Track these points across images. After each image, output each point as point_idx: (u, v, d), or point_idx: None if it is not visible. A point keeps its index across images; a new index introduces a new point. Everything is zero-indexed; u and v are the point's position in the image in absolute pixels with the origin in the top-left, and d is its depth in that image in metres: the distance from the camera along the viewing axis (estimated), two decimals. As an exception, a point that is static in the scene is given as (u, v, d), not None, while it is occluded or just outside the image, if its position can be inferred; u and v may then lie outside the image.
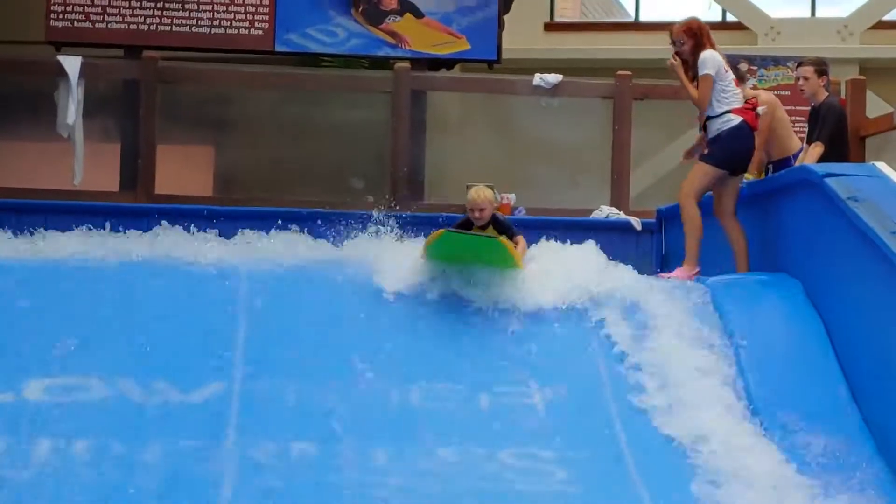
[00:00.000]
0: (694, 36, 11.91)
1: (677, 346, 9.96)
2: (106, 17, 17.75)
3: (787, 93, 16.71)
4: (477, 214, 11.23)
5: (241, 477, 8.58)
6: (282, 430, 9.05)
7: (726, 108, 11.81)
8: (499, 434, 9.21)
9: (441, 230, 10.48)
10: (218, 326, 10.03)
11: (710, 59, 11.81)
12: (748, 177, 13.47)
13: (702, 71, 11.80)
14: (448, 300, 10.39)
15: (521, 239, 11.09)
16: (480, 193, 11.24)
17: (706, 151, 11.85)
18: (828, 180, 10.32)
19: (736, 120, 11.78)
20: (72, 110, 16.50)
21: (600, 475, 8.86)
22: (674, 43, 12.00)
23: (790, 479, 8.85)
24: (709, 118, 11.88)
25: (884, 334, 9.31)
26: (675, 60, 11.95)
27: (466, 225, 11.24)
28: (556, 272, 10.66)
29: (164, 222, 12.56)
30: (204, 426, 9.03)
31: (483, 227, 11.16)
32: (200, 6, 17.94)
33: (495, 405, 9.49)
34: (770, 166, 13.91)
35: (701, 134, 12.10)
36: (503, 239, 10.71)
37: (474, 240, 10.56)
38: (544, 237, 11.79)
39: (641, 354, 9.93)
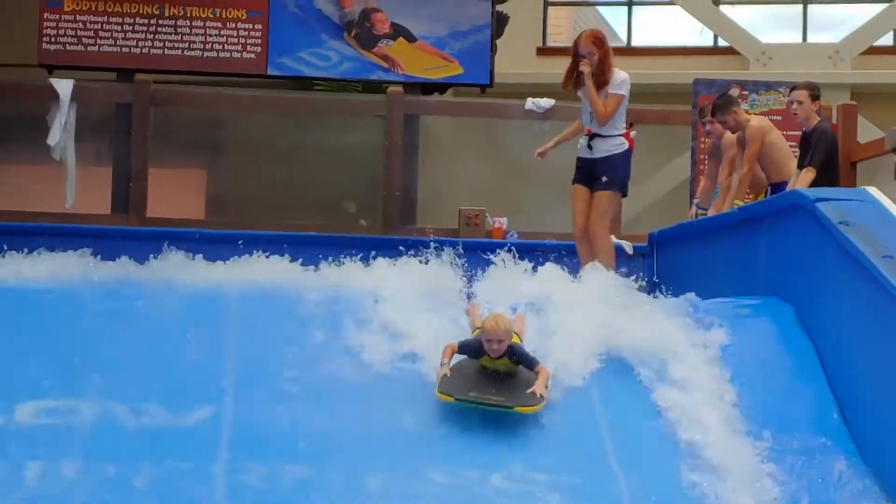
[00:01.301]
0: (601, 46, 12.11)
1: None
2: (98, 40, 17.80)
3: (779, 117, 16.73)
4: (495, 347, 9.75)
5: (234, 500, 8.57)
6: (273, 453, 9.03)
7: (621, 131, 12.26)
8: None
9: (448, 396, 9.46)
10: (209, 349, 10.01)
11: (627, 82, 12.28)
12: (738, 202, 13.52)
13: (618, 90, 12.24)
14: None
15: (542, 370, 9.72)
16: (501, 324, 9.76)
17: (604, 180, 12.23)
18: (819, 205, 10.34)
19: (626, 144, 12.29)
20: (57, 132, 16.49)
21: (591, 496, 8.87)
22: (580, 54, 12.12)
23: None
24: (601, 136, 12.23)
25: (875, 359, 9.31)
26: (587, 69, 12.08)
27: (476, 351, 9.83)
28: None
29: (158, 245, 12.53)
30: (195, 449, 9.01)
31: (497, 358, 9.78)
32: (193, 30, 17.99)
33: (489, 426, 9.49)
34: (769, 189, 13.95)
35: (557, 138, 12.76)
36: (518, 406, 9.44)
37: (493, 410, 9.46)
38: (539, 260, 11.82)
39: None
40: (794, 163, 13.78)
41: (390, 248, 12.41)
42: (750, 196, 14.23)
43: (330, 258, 11.97)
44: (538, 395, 9.46)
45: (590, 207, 12.38)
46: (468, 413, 9.50)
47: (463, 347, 9.88)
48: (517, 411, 9.36)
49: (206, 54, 17.96)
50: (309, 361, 10.02)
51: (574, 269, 11.82)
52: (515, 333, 10.04)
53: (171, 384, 9.60)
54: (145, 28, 17.86)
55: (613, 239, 15.86)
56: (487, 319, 9.80)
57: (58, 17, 17.69)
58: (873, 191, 10.62)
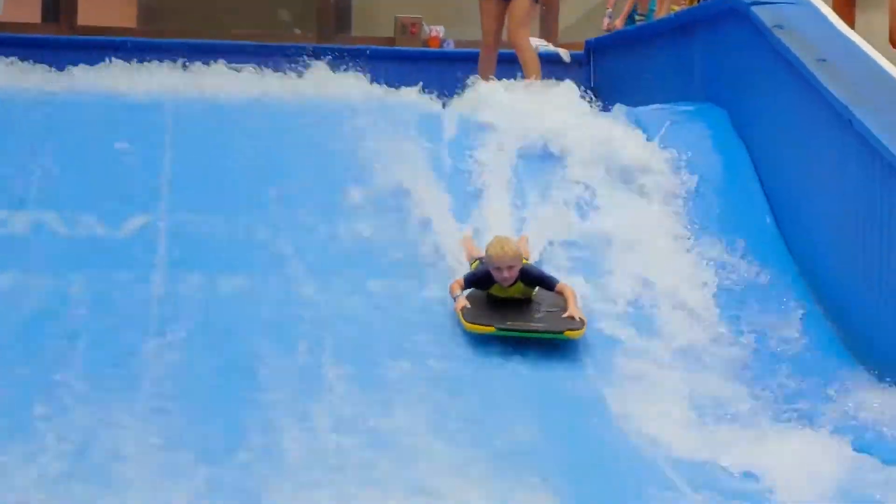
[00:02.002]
0: None
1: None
2: None
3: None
4: (505, 275, 8.70)
5: (170, 309, 8.59)
6: (210, 264, 9.04)
7: None
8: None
9: (489, 326, 8.46)
10: (145, 160, 9.93)
11: None
12: (674, 8, 13.43)
13: None
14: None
15: (566, 288, 8.78)
16: (507, 249, 8.69)
17: None
18: (754, 9, 10.29)
19: None
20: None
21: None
22: None
23: (714, 302, 9.07)
24: None
25: (807, 163, 9.39)
26: None
27: (484, 282, 8.81)
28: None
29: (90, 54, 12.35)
30: (131, 260, 9.01)
31: (509, 285, 8.77)
32: None
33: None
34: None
35: None
36: (567, 330, 8.47)
37: (537, 335, 8.53)
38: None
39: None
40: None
41: (326, 57, 12.27)
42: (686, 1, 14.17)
43: (265, 67, 11.85)
44: (577, 319, 8.52)
45: (501, 24, 12.20)
46: (402, 226, 9.53)
47: (469, 280, 8.87)
48: (566, 336, 8.43)
49: None
50: (246, 172, 9.95)
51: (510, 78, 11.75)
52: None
53: (105, 194, 9.53)
54: None
55: (551, 47, 15.81)
56: (491, 245, 8.71)
57: None
58: (810, -6, 10.57)
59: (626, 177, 10.09)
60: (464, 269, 9.10)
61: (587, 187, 9.99)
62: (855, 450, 7.25)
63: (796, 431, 7.54)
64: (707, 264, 9.33)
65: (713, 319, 8.88)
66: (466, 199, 9.92)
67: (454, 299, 8.69)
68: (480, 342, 8.41)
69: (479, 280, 8.82)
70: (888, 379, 7.99)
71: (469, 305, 8.60)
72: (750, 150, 10.24)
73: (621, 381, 8.17)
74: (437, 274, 9.18)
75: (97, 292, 8.63)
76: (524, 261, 8.82)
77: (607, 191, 10.00)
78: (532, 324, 8.52)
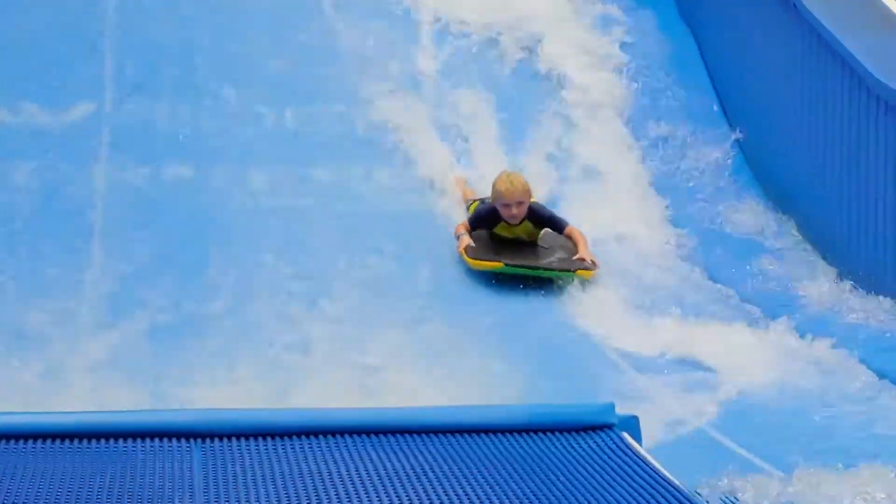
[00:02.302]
0: None
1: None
2: None
3: None
4: (514, 211, 8.21)
5: (114, 198, 8.55)
6: (154, 153, 8.98)
7: None
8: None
9: (497, 262, 8.02)
10: (88, 48, 9.79)
11: None
12: None
13: None
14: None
15: (575, 231, 8.31)
16: (517, 183, 8.23)
17: None
18: None
19: None
20: None
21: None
22: None
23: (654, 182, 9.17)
24: None
25: (752, 48, 9.41)
26: None
27: (491, 219, 8.30)
28: None
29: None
30: (75, 148, 8.93)
31: (516, 224, 8.29)
32: None
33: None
34: None
35: None
36: (579, 269, 8.02)
37: (547, 273, 8.06)
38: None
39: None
40: None
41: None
42: None
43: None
44: (590, 261, 8.09)
45: None
46: (355, 118, 9.48)
47: (474, 220, 8.35)
48: (578, 275, 7.98)
49: None
50: (192, 58, 9.84)
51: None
52: (590, 272, 8.20)
53: (49, 83, 9.42)
54: None
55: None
56: (499, 180, 8.23)
57: None
58: None
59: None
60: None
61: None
62: (802, 339, 7.31)
63: (745, 324, 7.58)
64: (650, 147, 9.41)
65: (662, 213, 8.94)
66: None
67: (457, 239, 8.24)
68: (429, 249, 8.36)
69: (484, 218, 8.31)
70: (839, 268, 8.09)
71: (473, 244, 8.15)
72: (696, 37, 10.24)
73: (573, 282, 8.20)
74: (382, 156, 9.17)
75: (42, 181, 8.59)
76: (532, 199, 8.34)
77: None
78: (540, 263, 8.10)
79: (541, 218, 8.30)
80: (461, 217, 8.52)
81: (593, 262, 8.06)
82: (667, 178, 9.20)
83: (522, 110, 9.62)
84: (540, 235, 8.32)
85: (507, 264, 8.01)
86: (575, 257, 8.09)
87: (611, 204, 8.93)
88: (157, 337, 7.18)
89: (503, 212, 8.21)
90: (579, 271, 7.99)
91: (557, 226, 8.31)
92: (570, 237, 8.25)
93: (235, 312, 7.46)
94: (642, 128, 9.57)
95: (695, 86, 9.91)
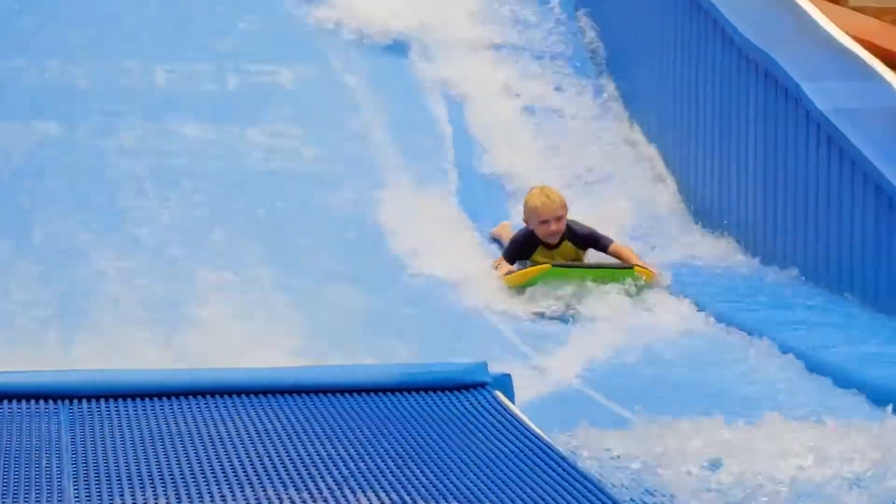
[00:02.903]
0: None
1: None
2: None
3: None
4: (553, 228, 7.45)
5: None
6: (22, 109, 8.83)
7: None
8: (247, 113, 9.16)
9: (545, 266, 7.37)
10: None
11: None
12: None
13: None
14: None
15: (620, 247, 7.59)
16: (553, 197, 7.49)
17: None
18: None
19: None
20: None
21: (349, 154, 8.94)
22: None
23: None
24: None
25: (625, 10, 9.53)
26: None
27: (528, 245, 7.54)
28: None
29: None
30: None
31: (553, 246, 7.52)
32: None
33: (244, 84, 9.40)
34: None
35: None
36: (638, 267, 7.36)
37: (600, 272, 7.36)
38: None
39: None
40: None
41: None
42: None
43: None
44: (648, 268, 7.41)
45: None
46: (222, 75, 9.39)
47: (510, 251, 7.61)
48: (638, 273, 7.28)
49: None
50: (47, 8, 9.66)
51: None
52: (648, 271, 7.55)
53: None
54: None
55: None
56: (532, 196, 7.52)
57: None
58: None
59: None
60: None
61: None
62: (673, 294, 7.38)
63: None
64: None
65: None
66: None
67: (496, 270, 7.57)
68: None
69: (521, 244, 7.54)
70: (711, 228, 8.22)
71: (515, 267, 7.48)
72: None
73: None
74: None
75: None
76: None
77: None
78: (591, 264, 7.49)
79: (582, 236, 7.55)
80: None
81: (652, 268, 7.38)
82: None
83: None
84: (585, 257, 7.59)
85: (555, 265, 7.32)
86: (633, 263, 7.40)
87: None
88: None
89: (541, 231, 7.43)
90: (638, 269, 7.29)
91: (601, 243, 7.53)
92: (616, 255, 7.50)
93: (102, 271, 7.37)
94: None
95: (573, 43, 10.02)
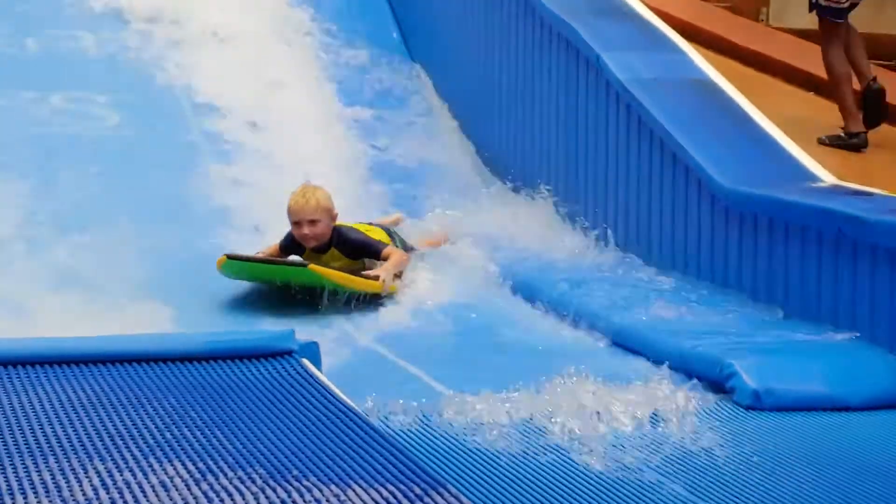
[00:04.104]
0: None
1: None
2: None
3: None
4: (305, 231, 6.94)
5: None
6: None
7: None
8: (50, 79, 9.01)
9: (222, 256, 6.86)
10: None
11: None
12: None
13: None
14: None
15: (395, 251, 7.06)
16: (308, 198, 6.96)
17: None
18: None
19: None
20: None
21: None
22: None
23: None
24: None
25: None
26: None
27: (294, 243, 7.06)
28: None
29: None
30: None
31: (319, 251, 7.01)
32: None
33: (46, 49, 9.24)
34: None
35: None
36: (316, 267, 6.77)
37: (273, 269, 6.85)
38: None
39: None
40: None
41: None
42: None
43: None
44: (376, 276, 6.82)
45: None
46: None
47: (283, 242, 7.10)
48: (312, 271, 6.69)
49: None
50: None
51: None
52: (381, 228, 7.28)
53: None
54: None
55: None
56: (293, 193, 7.02)
57: None
58: None
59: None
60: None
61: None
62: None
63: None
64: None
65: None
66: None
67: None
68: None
69: (289, 240, 7.06)
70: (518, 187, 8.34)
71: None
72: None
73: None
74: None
75: None
76: (378, 235, 7.19)
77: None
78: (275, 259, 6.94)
79: (352, 244, 7.01)
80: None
81: (381, 280, 6.78)
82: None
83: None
84: (362, 267, 7.00)
85: (228, 257, 6.78)
86: (365, 272, 6.88)
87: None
88: None
89: (295, 232, 6.96)
90: (315, 268, 6.71)
91: (372, 250, 6.99)
92: (386, 258, 6.98)
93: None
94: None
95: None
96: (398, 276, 6.97)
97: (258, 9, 9.81)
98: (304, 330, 5.33)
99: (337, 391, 4.30)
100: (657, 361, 5.72)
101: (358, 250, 7.02)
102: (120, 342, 4.78)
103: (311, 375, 4.50)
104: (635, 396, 5.20)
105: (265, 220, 7.66)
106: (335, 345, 6.13)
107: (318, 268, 6.73)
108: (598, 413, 5.01)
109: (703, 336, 5.85)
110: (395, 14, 10.12)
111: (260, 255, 6.97)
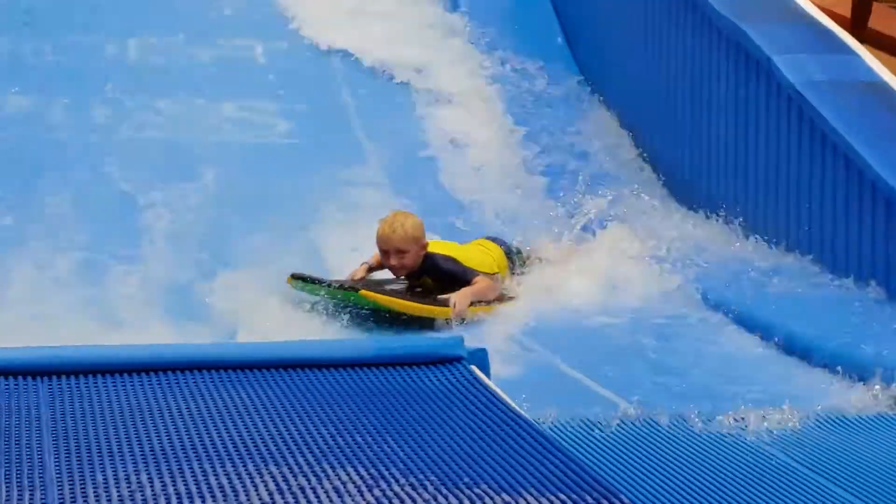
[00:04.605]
0: None
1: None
2: None
3: None
4: (392, 262, 6.79)
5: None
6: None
7: None
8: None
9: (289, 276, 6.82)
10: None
11: None
12: None
13: None
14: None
15: (483, 280, 6.88)
16: (395, 226, 6.77)
17: None
18: None
19: None
20: None
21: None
22: None
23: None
24: None
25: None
26: None
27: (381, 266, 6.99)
28: None
29: None
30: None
31: (411, 278, 6.91)
32: None
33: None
34: None
35: None
36: (367, 292, 6.64)
37: (329, 290, 6.71)
38: None
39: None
40: None
41: None
42: None
43: None
44: (450, 302, 6.71)
45: None
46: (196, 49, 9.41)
47: (371, 260, 7.06)
48: (362, 296, 6.58)
49: None
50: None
51: None
52: (498, 245, 7.26)
53: None
54: None
55: None
56: (383, 220, 6.87)
57: None
58: None
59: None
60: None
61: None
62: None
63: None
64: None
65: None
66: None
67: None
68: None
69: (377, 264, 6.97)
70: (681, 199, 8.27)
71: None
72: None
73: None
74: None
75: None
76: (473, 243, 7.19)
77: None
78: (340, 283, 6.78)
79: (440, 272, 6.85)
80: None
81: (453, 303, 6.67)
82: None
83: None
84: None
85: (294, 276, 6.72)
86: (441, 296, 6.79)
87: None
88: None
89: (382, 260, 6.82)
90: (429, 308, 6.67)
91: (462, 281, 6.82)
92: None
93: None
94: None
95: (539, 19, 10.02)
96: (485, 303, 6.85)
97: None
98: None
99: (506, 398, 4.31)
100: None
101: (447, 279, 6.83)
102: (292, 348, 4.85)
103: (481, 382, 4.51)
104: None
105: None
106: (500, 351, 6.11)
107: (368, 293, 6.59)
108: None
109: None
110: (560, 20, 10.08)
111: (317, 277, 6.77)
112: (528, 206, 8.30)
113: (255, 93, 9.15)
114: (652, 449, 4.71)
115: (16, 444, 3.82)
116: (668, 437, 4.82)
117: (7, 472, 3.58)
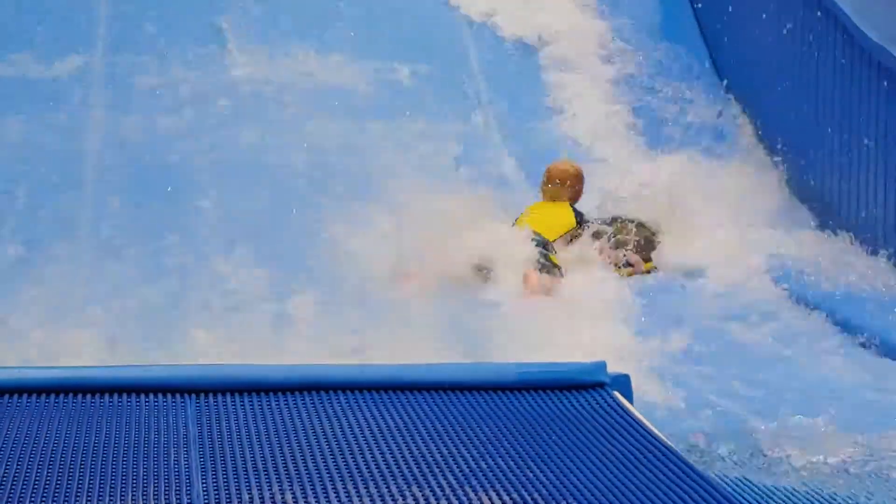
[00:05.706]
0: None
1: None
2: None
3: None
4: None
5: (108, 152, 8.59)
6: (145, 105, 9.00)
7: None
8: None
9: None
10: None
11: None
12: None
13: None
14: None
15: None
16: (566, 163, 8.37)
17: None
18: None
19: None
20: None
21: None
22: None
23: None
24: None
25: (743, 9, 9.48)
26: None
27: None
28: None
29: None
30: (66, 100, 8.94)
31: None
32: None
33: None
34: None
35: None
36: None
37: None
38: None
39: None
40: None
41: None
42: None
43: None
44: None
45: None
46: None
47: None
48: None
49: None
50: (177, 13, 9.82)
51: None
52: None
53: (41, 34, 9.41)
54: None
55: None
56: (569, 162, 8.34)
57: None
58: None
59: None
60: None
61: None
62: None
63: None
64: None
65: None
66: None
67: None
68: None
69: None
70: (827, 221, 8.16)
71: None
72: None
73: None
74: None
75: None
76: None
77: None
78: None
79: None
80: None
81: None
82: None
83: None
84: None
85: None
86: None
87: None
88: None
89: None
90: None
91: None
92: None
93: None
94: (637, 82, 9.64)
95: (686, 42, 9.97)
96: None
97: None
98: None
99: (650, 426, 4.27)
100: None
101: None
102: (435, 371, 4.86)
103: (624, 409, 4.48)
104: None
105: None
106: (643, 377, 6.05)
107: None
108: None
109: None
110: (707, 40, 10.02)
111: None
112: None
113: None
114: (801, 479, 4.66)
115: (164, 463, 3.89)
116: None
117: (156, 490, 3.64)
